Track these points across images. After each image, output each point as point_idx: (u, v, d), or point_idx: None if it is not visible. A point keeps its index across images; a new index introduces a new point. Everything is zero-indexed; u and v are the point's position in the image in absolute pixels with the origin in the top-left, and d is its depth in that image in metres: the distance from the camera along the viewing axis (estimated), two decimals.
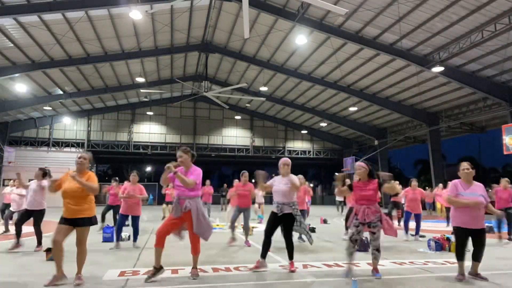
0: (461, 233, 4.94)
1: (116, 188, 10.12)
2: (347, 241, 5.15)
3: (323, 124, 31.47)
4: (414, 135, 27.40)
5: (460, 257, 4.93)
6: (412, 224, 9.32)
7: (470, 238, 4.97)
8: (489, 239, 9.04)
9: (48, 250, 6.03)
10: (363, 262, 6.03)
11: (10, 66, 18.31)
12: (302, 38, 16.84)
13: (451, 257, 5.29)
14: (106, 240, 8.15)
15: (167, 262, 5.54)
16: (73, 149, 29.01)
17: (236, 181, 8.92)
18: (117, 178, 10.91)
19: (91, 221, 4.79)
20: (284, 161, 5.70)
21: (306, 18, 16.15)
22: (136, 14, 13.53)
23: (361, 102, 24.29)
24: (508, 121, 18.06)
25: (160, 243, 4.77)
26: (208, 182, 14.01)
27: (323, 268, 5.58)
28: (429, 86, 20.03)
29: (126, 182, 8.07)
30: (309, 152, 34.97)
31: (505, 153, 17.55)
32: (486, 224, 9.09)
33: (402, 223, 9.99)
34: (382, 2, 14.24)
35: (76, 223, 4.66)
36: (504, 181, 9.08)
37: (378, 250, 5.04)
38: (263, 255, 5.38)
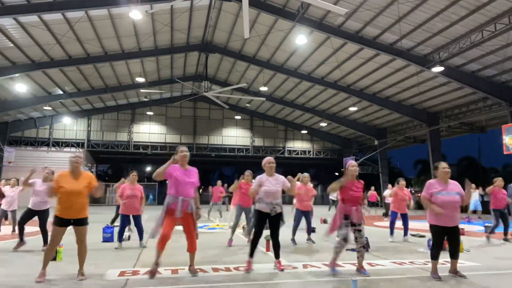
0: (438, 232, 5.03)
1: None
2: (339, 240, 5.17)
3: (323, 124, 31.47)
4: (414, 135, 27.39)
5: (435, 256, 5.03)
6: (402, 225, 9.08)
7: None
8: (491, 239, 9.05)
9: None
10: (363, 262, 6.03)
11: (10, 66, 18.32)
12: (302, 38, 16.84)
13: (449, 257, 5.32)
14: (106, 240, 8.15)
15: (167, 261, 5.54)
16: (73, 149, 29.01)
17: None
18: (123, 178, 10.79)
19: (88, 220, 5.00)
20: (270, 159, 5.65)
21: (306, 18, 16.14)
22: (136, 14, 13.54)
23: (361, 102, 24.29)
24: (508, 121, 18.06)
25: (164, 246, 4.85)
26: (219, 182, 14.10)
27: (323, 268, 5.57)
28: (429, 86, 20.03)
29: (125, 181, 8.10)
30: (309, 152, 34.98)
31: (505, 153, 17.56)
32: (487, 224, 9.16)
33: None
34: (382, 2, 14.24)
35: (77, 222, 4.81)
36: (499, 181, 8.85)
37: (364, 247, 5.21)
38: (253, 254, 5.41)
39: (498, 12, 13.19)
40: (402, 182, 9.12)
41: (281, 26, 17.67)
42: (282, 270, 5.27)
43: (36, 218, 7.11)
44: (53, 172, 7.39)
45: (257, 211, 5.48)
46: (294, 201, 8.52)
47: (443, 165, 5.18)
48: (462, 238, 8.28)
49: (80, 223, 4.83)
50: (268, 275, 5.07)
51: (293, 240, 8.14)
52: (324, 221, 13.61)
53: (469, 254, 6.97)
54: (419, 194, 22.51)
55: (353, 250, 7.19)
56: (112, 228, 8.41)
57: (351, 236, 5.19)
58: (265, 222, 5.44)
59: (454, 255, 5.04)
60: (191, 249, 5.02)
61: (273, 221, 5.42)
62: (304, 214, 8.27)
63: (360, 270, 5.15)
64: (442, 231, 5.02)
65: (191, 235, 4.98)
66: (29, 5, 14.08)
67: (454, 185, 5.12)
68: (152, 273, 4.78)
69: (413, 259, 6.37)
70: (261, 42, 19.87)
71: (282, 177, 5.65)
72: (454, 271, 5.07)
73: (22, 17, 14.75)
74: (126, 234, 8.20)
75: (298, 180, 8.47)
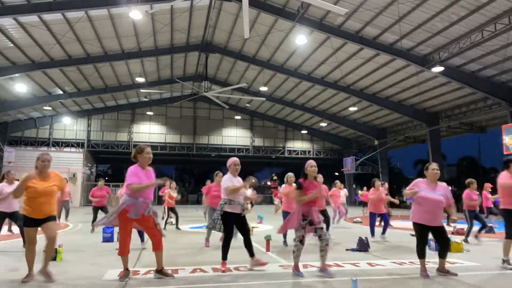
0: (420, 230, 5.10)
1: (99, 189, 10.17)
2: (296, 243, 5.07)
3: (323, 124, 31.47)
4: (414, 135, 27.39)
5: (421, 254, 5.08)
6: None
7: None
8: (489, 239, 9.05)
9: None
10: (363, 262, 6.04)
11: (10, 66, 18.32)
12: (302, 38, 16.83)
13: (451, 257, 5.33)
14: (106, 240, 8.16)
15: (168, 262, 5.54)
16: (73, 149, 29.01)
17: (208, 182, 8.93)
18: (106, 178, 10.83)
19: (55, 217, 4.99)
20: (236, 161, 5.71)
21: (306, 18, 16.14)
22: (136, 14, 13.53)
23: (361, 102, 24.29)
24: (508, 121, 18.06)
25: (127, 251, 4.78)
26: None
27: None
28: (429, 86, 20.03)
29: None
30: (309, 152, 34.97)
31: (505, 153, 17.54)
32: (489, 225, 9.15)
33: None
34: (382, 2, 14.24)
35: (47, 220, 4.76)
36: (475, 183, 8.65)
37: (328, 244, 5.08)
38: (226, 256, 5.38)
39: (498, 12, 13.19)
40: (378, 182, 9.17)
41: (281, 26, 17.66)
42: (264, 264, 5.39)
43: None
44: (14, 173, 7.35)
45: (225, 213, 5.39)
46: (276, 201, 8.51)
47: (433, 166, 5.28)
48: (461, 238, 8.31)
49: (49, 219, 4.76)
50: (268, 275, 5.07)
51: (284, 242, 8.05)
52: None
53: (469, 254, 6.97)
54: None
55: (353, 250, 7.22)
56: (112, 228, 8.40)
57: (309, 236, 5.17)
58: (234, 223, 5.47)
59: (442, 254, 5.10)
60: (157, 248, 4.84)
61: (242, 221, 5.47)
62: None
63: (323, 270, 5.07)
64: (425, 229, 5.07)
65: (154, 234, 4.83)
66: (29, 5, 14.08)
67: (441, 187, 5.19)
68: (125, 277, 4.72)
69: (413, 259, 6.35)
70: (261, 42, 19.86)
71: (241, 180, 5.71)
72: (442, 270, 5.11)
73: (22, 17, 14.74)
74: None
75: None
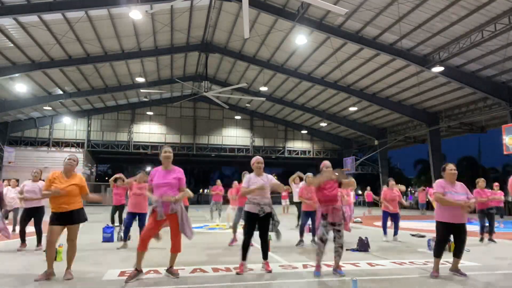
0: (443, 229, 5.11)
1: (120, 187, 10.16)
2: (317, 241, 5.23)
3: (323, 124, 31.47)
4: (414, 135, 27.39)
5: (439, 253, 5.11)
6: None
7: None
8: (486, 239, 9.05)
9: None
10: (363, 262, 6.04)
11: (10, 66, 18.32)
12: (302, 38, 16.83)
13: (451, 257, 5.33)
14: (106, 240, 8.15)
15: (167, 261, 5.54)
16: (73, 149, 29.00)
17: (235, 183, 8.92)
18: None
19: (83, 213, 5.21)
20: (258, 159, 5.60)
21: (306, 18, 16.14)
22: (136, 14, 13.53)
23: (361, 102, 24.29)
24: (508, 121, 18.06)
25: (145, 247, 4.77)
26: (218, 181, 14.03)
27: (323, 268, 5.56)
28: (429, 86, 20.03)
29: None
30: (309, 152, 34.97)
31: (505, 153, 17.55)
32: (487, 224, 9.15)
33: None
34: (382, 2, 14.24)
35: (69, 219, 5.01)
36: (481, 181, 8.82)
37: (342, 247, 5.19)
38: (245, 257, 5.29)
39: (498, 12, 13.19)
40: (392, 182, 9.21)
41: (281, 26, 17.66)
42: (270, 271, 5.22)
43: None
44: (41, 171, 7.35)
45: (246, 212, 5.40)
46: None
47: (450, 166, 5.28)
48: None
49: (72, 219, 4.88)
50: (268, 275, 5.07)
51: (301, 241, 7.96)
52: None
53: (469, 254, 6.96)
54: (416, 195, 22.58)
55: (353, 250, 7.22)
56: (112, 228, 8.41)
57: (331, 235, 5.22)
58: (255, 223, 5.35)
59: (458, 254, 5.12)
60: (174, 250, 4.90)
61: (262, 222, 5.35)
62: (309, 214, 8.07)
63: (336, 270, 5.15)
64: (449, 228, 5.09)
65: (175, 236, 4.88)
66: (29, 5, 14.08)
67: (460, 186, 5.22)
68: (130, 278, 4.63)
69: (413, 259, 6.37)
70: (261, 42, 19.87)
71: (270, 176, 5.62)
72: (455, 270, 5.14)
73: (22, 17, 14.74)
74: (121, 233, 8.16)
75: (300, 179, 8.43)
